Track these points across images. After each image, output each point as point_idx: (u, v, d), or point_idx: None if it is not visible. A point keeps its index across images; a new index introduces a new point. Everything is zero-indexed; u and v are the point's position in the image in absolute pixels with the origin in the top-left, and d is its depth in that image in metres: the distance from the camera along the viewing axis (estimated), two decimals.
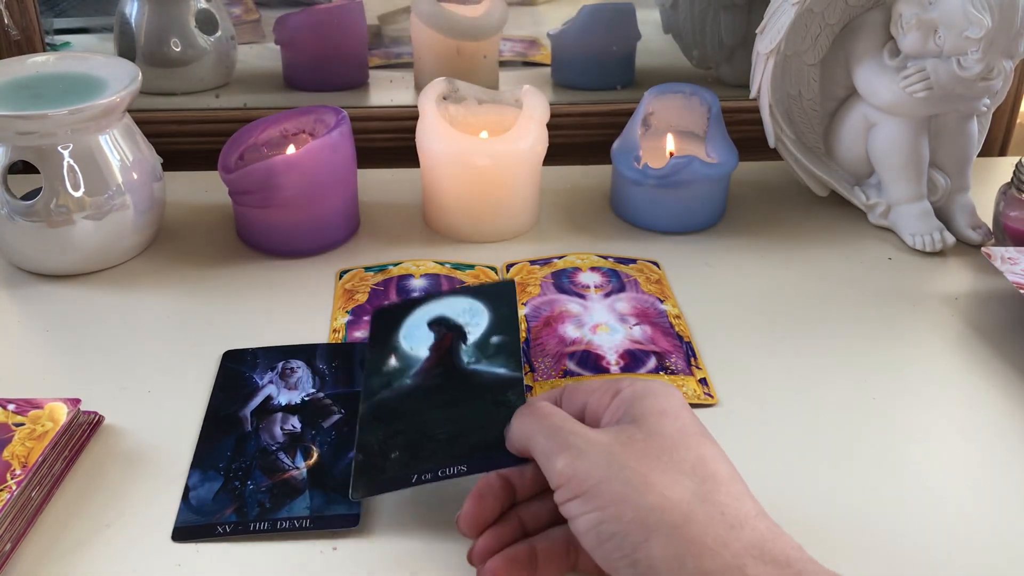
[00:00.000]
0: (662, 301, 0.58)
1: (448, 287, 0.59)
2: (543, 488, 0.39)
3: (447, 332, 0.48)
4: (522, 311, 0.57)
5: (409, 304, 0.50)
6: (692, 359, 0.53)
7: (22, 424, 0.44)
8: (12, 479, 0.40)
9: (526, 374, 0.51)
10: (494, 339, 0.47)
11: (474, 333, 0.47)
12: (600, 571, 0.35)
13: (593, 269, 0.62)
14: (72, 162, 0.57)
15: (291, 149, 0.64)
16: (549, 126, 0.65)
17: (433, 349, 0.47)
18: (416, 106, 0.65)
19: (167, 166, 0.65)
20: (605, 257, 0.63)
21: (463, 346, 0.47)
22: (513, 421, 0.39)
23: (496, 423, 0.41)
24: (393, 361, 0.47)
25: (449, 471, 0.39)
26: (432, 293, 0.52)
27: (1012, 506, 0.43)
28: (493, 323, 0.48)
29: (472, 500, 0.38)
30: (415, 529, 0.41)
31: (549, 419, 0.37)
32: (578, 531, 0.34)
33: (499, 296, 0.49)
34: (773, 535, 0.33)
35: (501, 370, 0.44)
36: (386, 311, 0.51)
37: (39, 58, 0.62)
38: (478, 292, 0.50)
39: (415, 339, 0.48)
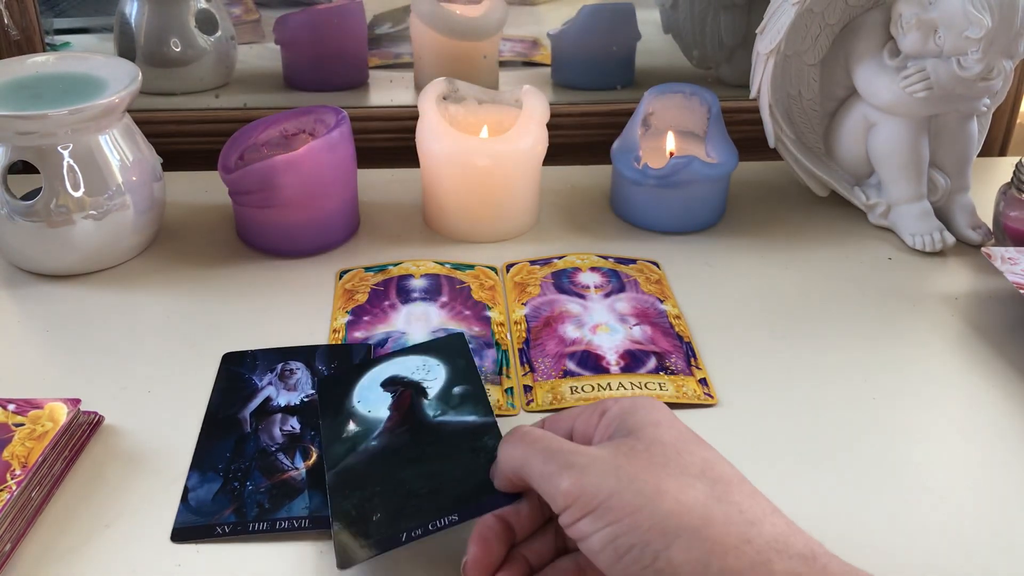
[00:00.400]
0: (662, 301, 0.58)
1: (448, 287, 0.59)
2: (540, 524, 0.39)
3: (404, 390, 0.47)
4: (522, 311, 0.57)
5: (355, 370, 0.49)
6: (692, 359, 0.53)
7: (22, 424, 0.44)
8: (12, 479, 0.40)
9: (526, 374, 0.51)
10: (456, 390, 0.46)
11: (433, 387, 0.46)
12: None
13: (593, 269, 0.62)
14: (72, 162, 0.57)
15: (284, 150, 0.64)
16: (549, 126, 0.65)
17: (393, 408, 0.46)
18: (416, 106, 0.65)
19: (167, 166, 0.65)
20: (605, 257, 0.63)
21: (425, 400, 0.46)
22: (502, 450, 0.38)
23: (477, 469, 0.40)
24: (352, 426, 0.45)
25: (440, 523, 0.38)
26: (377, 357, 0.51)
27: (1012, 506, 0.43)
28: (451, 375, 0.47)
29: (477, 545, 0.37)
30: None
31: (542, 442, 0.36)
32: (592, 550, 0.33)
33: (450, 349, 0.49)
34: (792, 530, 0.33)
35: (471, 417, 0.44)
36: (331, 380, 0.49)
37: (39, 58, 0.62)
38: (427, 348, 0.49)
39: (371, 402, 0.46)
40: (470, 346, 0.51)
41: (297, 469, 0.44)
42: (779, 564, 0.31)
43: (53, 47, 0.78)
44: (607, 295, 0.59)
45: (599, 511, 0.33)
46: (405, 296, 0.58)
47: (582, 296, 0.59)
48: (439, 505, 0.39)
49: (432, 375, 0.47)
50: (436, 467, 0.41)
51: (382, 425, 0.45)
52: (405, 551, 0.39)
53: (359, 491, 0.41)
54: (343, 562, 0.38)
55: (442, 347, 0.50)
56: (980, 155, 0.69)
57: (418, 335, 0.54)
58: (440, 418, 0.44)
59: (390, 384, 0.47)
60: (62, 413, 0.44)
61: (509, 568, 0.37)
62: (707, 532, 0.31)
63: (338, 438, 0.44)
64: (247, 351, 0.53)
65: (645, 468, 0.33)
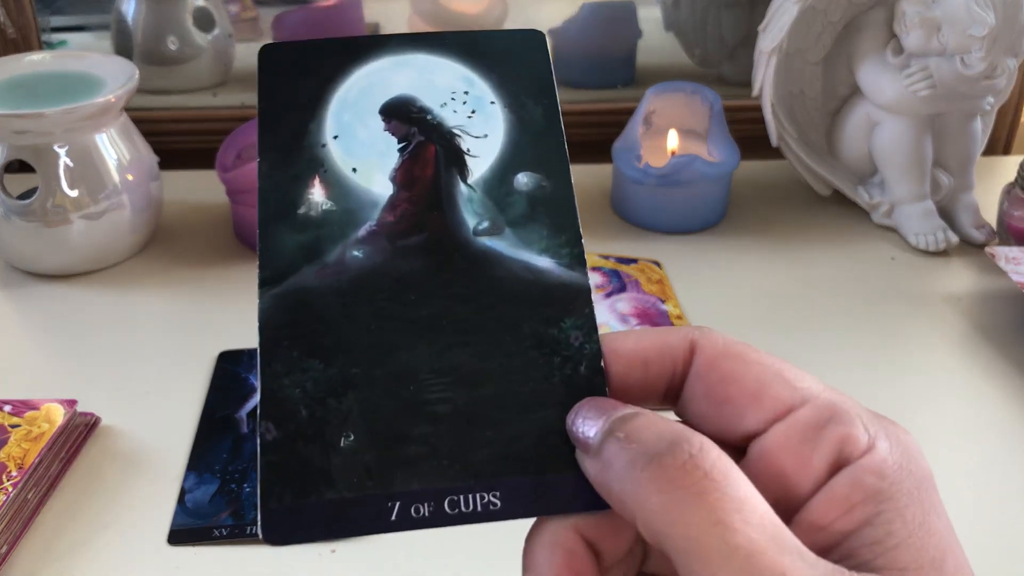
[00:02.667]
0: (663, 301, 0.58)
1: None
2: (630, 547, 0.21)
3: (425, 140, 0.24)
4: None
5: (340, 50, 0.24)
6: None
7: (18, 425, 0.43)
8: (8, 481, 0.40)
9: None
10: (522, 178, 0.24)
11: (481, 152, 0.24)
12: None
13: (594, 269, 0.61)
14: (69, 161, 0.57)
15: None
16: None
17: (401, 174, 0.23)
18: None
19: (164, 165, 0.64)
20: (606, 257, 0.63)
21: (460, 186, 0.23)
22: (620, 472, 0.19)
23: (547, 391, 0.21)
24: (318, 191, 0.23)
25: (466, 503, 0.20)
26: (386, 36, 0.25)
27: (1015, 506, 0.43)
28: (516, 133, 0.24)
29: None
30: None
31: (724, 510, 0.17)
32: None
33: (518, 63, 0.25)
34: None
35: (544, 260, 0.23)
36: (291, 52, 0.25)
37: (35, 56, 0.62)
38: (475, 51, 0.25)
39: (360, 144, 0.24)
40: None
41: None
42: None
43: (50, 45, 0.78)
44: (608, 295, 0.58)
45: None
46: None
47: None
48: (469, 456, 0.21)
49: (480, 118, 0.24)
50: (470, 358, 0.22)
51: (378, 212, 0.23)
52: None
53: (319, 361, 0.21)
54: (272, 534, 0.20)
55: (501, 53, 0.25)
56: (984, 154, 0.69)
57: None
58: (486, 240, 0.23)
59: (397, 114, 0.24)
60: (59, 414, 0.44)
61: None
62: None
63: (287, 211, 0.23)
64: (243, 350, 0.52)
65: None
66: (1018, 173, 0.63)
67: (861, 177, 0.70)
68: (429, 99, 0.24)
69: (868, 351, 0.54)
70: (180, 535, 0.41)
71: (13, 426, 0.43)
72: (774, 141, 0.69)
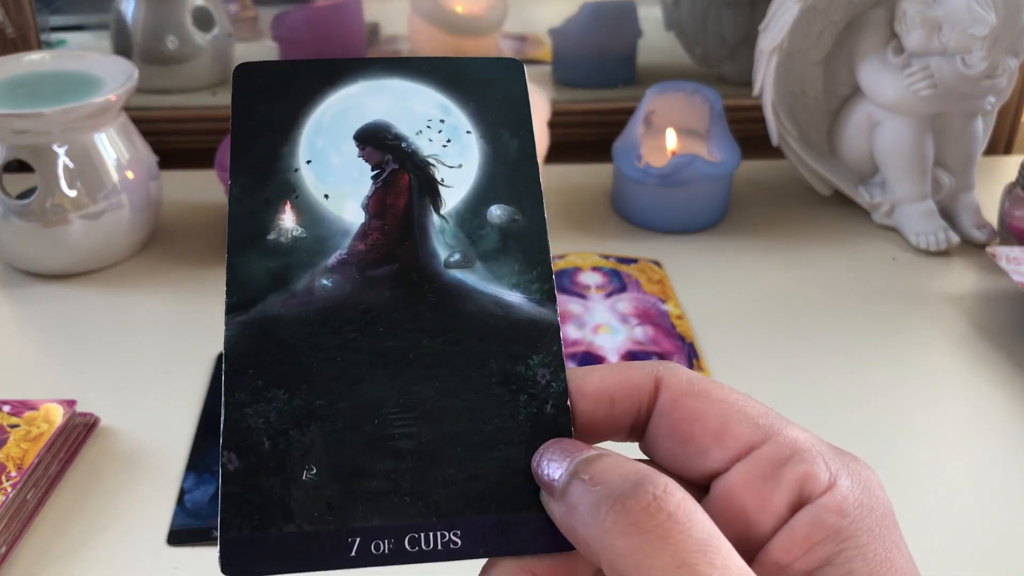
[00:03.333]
0: (664, 301, 0.58)
1: None
2: None
3: (397, 168, 0.23)
4: None
5: (316, 72, 0.24)
6: (694, 360, 0.53)
7: (17, 426, 0.43)
8: (7, 481, 0.40)
9: None
10: (495, 211, 0.23)
11: (454, 182, 0.23)
12: None
13: (594, 269, 0.61)
14: (68, 161, 0.56)
15: None
16: (550, 124, 0.64)
17: (374, 202, 0.23)
18: None
19: (163, 164, 0.64)
20: (606, 257, 0.63)
21: (433, 216, 0.23)
22: (585, 515, 0.19)
23: (513, 428, 0.21)
24: (288, 218, 0.23)
25: (427, 541, 0.20)
26: (358, 60, 0.25)
27: (1016, 506, 0.43)
28: (491, 164, 0.24)
29: None
30: None
31: (687, 551, 0.17)
32: None
33: (492, 92, 0.24)
34: None
35: (515, 295, 0.22)
36: (267, 73, 0.25)
37: (35, 56, 0.62)
38: (452, 76, 0.24)
39: (331, 170, 0.23)
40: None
41: None
42: None
43: (49, 45, 0.78)
44: (608, 295, 0.58)
45: None
46: None
47: (583, 296, 0.58)
48: (432, 493, 0.21)
49: (455, 147, 0.24)
50: (433, 392, 0.21)
51: (349, 240, 0.23)
52: None
53: (283, 391, 0.21)
54: (229, 566, 0.20)
55: (476, 82, 0.25)
56: (985, 154, 0.69)
57: None
58: (456, 274, 0.23)
59: (372, 140, 0.24)
60: (58, 414, 0.44)
61: None
62: None
63: (255, 235, 0.23)
64: None
65: None
66: (1019, 173, 0.62)
67: (862, 177, 0.70)
68: (405, 126, 0.24)
69: (869, 351, 0.54)
70: (179, 535, 0.41)
71: (12, 426, 0.43)
72: (775, 141, 0.68)
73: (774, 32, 0.64)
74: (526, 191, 0.23)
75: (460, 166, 0.23)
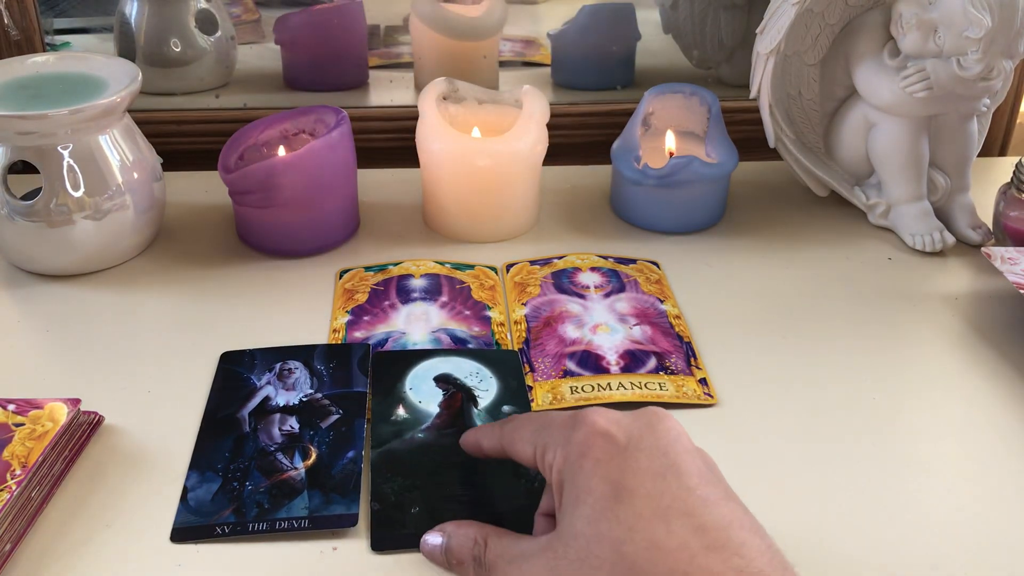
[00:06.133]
0: (662, 301, 0.58)
1: (448, 287, 0.59)
2: None
3: (455, 391, 0.48)
4: (522, 311, 0.57)
5: (412, 356, 0.51)
6: (692, 359, 0.53)
7: (22, 424, 0.44)
8: (12, 479, 0.40)
9: (526, 374, 0.51)
10: (505, 408, 0.47)
11: (484, 398, 0.48)
12: None
13: (593, 269, 0.62)
14: (72, 162, 0.57)
15: (284, 150, 0.64)
16: (549, 126, 0.65)
17: (444, 406, 0.47)
18: (416, 106, 0.65)
19: (167, 166, 0.65)
20: (605, 257, 0.63)
21: (475, 409, 0.47)
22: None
23: (517, 494, 0.42)
24: (401, 411, 0.47)
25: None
26: (435, 349, 0.52)
27: (1013, 506, 0.43)
28: (502, 392, 0.49)
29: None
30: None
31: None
32: None
33: (504, 365, 0.51)
34: None
35: None
36: (388, 357, 0.51)
37: (39, 58, 0.62)
38: (483, 357, 0.51)
39: (423, 393, 0.48)
40: (469, 345, 0.51)
41: (296, 469, 0.44)
42: None
43: (53, 47, 0.78)
44: (607, 295, 0.59)
45: None
46: (405, 296, 0.58)
47: (582, 296, 0.59)
48: (476, 517, 0.39)
49: (484, 385, 0.49)
50: (478, 478, 0.43)
51: (431, 420, 0.46)
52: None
53: (400, 478, 0.43)
54: (379, 544, 0.40)
55: (496, 360, 0.51)
56: (980, 155, 0.69)
57: (418, 335, 0.54)
58: None
59: (443, 381, 0.49)
60: (62, 413, 0.44)
61: None
62: None
63: (386, 419, 0.46)
64: (245, 350, 0.53)
65: None
66: (1014, 174, 0.63)
67: (858, 178, 0.70)
68: (459, 374, 0.50)
69: (865, 351, 0.55)
70: (182, 533, 0.41)
71: (17, 425, 0.44)
72: (772, 142, 0.69)
73: (771, 35, 0.64)
74: (520, 400, 0.48)
75: (487, 391, 0.49)
